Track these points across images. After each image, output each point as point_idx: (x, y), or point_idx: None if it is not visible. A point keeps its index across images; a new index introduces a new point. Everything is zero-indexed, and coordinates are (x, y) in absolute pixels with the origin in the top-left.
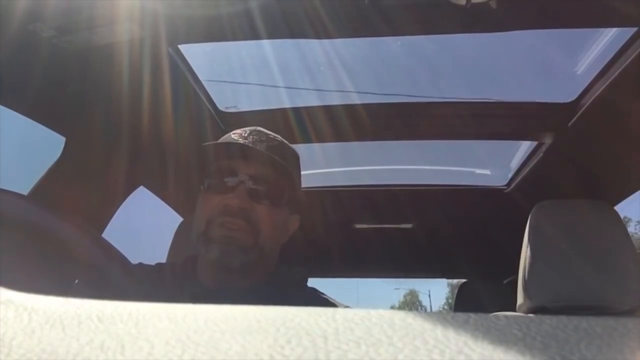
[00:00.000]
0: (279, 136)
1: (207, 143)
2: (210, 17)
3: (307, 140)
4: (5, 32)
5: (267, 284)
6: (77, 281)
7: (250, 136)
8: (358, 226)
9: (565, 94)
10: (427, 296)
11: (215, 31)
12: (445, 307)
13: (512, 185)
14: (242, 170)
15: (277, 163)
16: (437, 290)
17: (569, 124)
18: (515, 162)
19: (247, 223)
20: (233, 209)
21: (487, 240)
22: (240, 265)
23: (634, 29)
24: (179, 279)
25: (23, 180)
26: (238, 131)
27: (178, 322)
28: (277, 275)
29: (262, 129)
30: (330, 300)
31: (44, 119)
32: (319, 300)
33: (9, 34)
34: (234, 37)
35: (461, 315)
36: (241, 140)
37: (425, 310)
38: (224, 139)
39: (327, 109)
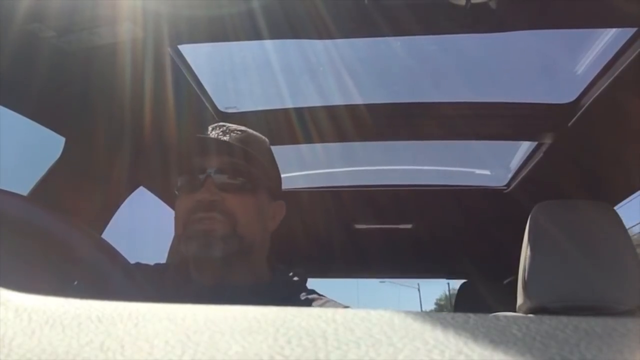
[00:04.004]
0: (244, 127)
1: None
2: (211, 17)
3: (307, 140)
4: (5, 33)
5: (266, 285)
6: (76, 282)
7: (214, 132)
8: (358, 226)
9: (565, 94)
10: None
11: (216, 31)
12: None
13: (512, 186)
14: (207, 165)
15: (237, 149)
16: None
17: (569, 124)
18: (515, 162)
19: (222, 214)
20: (204, 203)
21: (487, 240)
22: (223, 255)
23: (634, 29)
24: (176, 279)
25: (23, 180)
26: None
27: (178, 322)
28: (277, 276)
29: (225, 124)
30: (330, 301)
31: (44, 119)
32: (319, 301)
33: (9, 34)
34: (235, 38)
35: (461, 316)
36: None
37: None
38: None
39: (327, 109)
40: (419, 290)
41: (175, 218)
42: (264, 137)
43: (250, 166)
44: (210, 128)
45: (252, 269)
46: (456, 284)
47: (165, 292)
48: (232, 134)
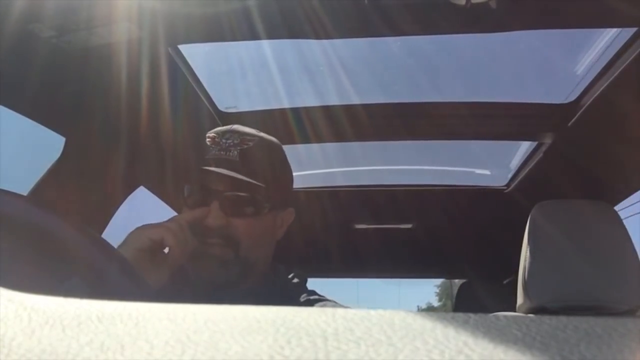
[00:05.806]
0: (257, 132)
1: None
2: (210, 16)
3: (306, 140)
4: (5, 32)
5: (266, 286)
6: (72, 280)
7: (223, 140)
8: (358, 226)
9: (565, 94)
10: None
11: (215, 31)
12: None
13: (512, 186)
14: (215, 187)
15: (243, 182)
16: None
17: (569, 124)
18: (515, 162)
19: (224, 239)
20: (208, 229)
21: (487, 240)
22: (225, 280)
23: (634, 29)
24: (175, 279)
25: (23, 180)
26: (212, 134)
27: (178, 322)
28: (276, 277)
29: (238, 127)
30: (330, 302)
31: (44, 119)
32: (319, 302)
33: (8, 34)
34: (234, 37)
35: (461, 315)
36: (214, 147)
37: None
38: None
39: (327, 109)
40: None
41: None
42: (275, 140)
43: (258, 186)
44: (221, 133)
45: (253, 275)
46: (428, 299)
47: (164, 291)
48: (242, 145)
